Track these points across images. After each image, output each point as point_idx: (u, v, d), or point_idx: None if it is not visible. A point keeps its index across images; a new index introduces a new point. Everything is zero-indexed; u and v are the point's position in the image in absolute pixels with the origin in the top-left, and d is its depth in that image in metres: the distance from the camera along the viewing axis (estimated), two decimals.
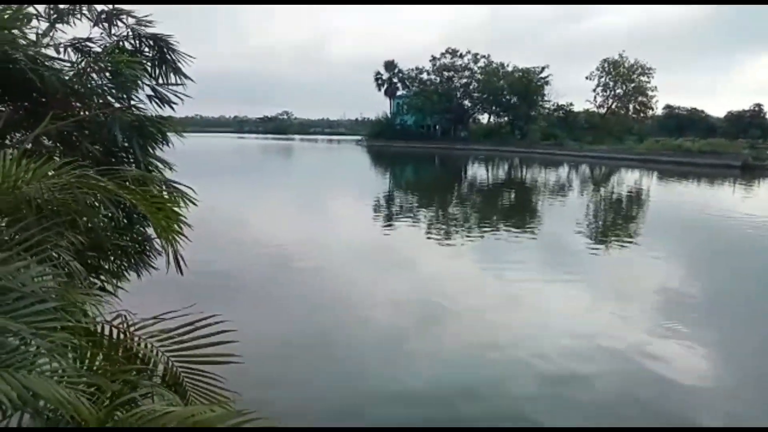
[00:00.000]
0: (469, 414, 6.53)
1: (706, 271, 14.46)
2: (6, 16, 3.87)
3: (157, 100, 4.64)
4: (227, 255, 13.57)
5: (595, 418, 6.61)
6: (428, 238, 18.00)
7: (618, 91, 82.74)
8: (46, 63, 3.99)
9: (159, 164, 4.44)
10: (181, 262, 3.24)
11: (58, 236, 2.68)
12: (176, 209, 3.15)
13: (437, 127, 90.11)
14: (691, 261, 15.68)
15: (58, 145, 4.32)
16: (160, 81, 4.82)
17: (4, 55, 3.65)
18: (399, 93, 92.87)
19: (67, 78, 4.13)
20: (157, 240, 3.62)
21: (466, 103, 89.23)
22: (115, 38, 4.71)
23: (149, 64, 4.78)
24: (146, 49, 4.84)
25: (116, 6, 4.72)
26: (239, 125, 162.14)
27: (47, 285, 2.36)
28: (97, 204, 3.28)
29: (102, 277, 4.12)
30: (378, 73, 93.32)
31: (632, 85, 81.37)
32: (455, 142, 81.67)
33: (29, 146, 3.89)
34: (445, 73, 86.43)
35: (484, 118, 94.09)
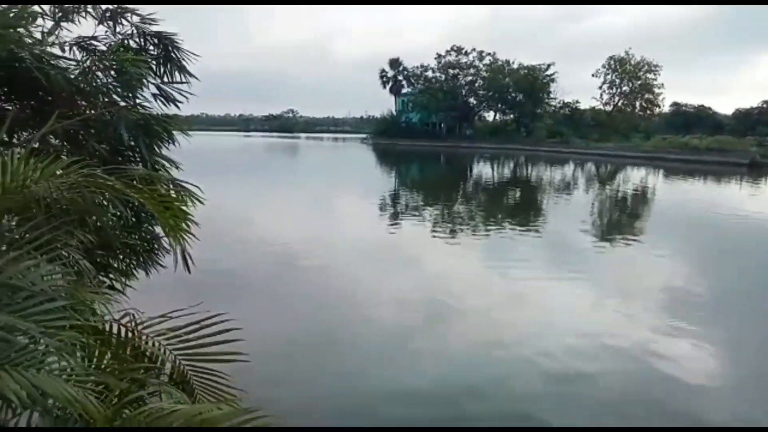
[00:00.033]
0: (474, 413, 6.53)
1: (712, 269, 14.38)
2: (11, 15, 3.89)
3: (162, 99, 4.66)
4: (233, 253, 13.60)
5: (599, 416, 6.59)
6: (433, 236, 17.99)
7: (624, 88, 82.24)
8: (52, 62, 4.00)
9: (165, 163, 4.45)
10: (189, 261, 3.25)
11: (68, 235, 2.69)
12: (184, 208, 3.16)
13: (442, 124, 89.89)
14: (696, 259, 15.60)
15: (64, 144, 4.34)
16: (165, 79, 4.83)
17: (10, 54, 3.67)
18: (404, 91, 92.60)
19: (72, 76, 4.14)
20: (165, 238, 3.63)
21: (472, 100, 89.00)
22: (120, 36, 4.73)
23: (154, 62, 4.79)
24: (151, 48, 4.86)
25: (121, 5, 4.73)
26: (245, 123, 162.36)
27: (56, 284, 2.37)
28: (105, 203, 3.30)
29: (111, 276, 4.14)
30: (383, 70, 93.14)
31: (639, 82, 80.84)
32: (460, 140, 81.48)
33: (36, 145, 3.91)
34: (451, 71, 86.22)
35: (489, 116, 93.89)
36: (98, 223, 3.33)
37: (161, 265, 4.44)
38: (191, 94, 4.83)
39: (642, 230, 20.77)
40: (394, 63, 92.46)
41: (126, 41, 4.71)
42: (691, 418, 6.59)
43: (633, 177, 44.28)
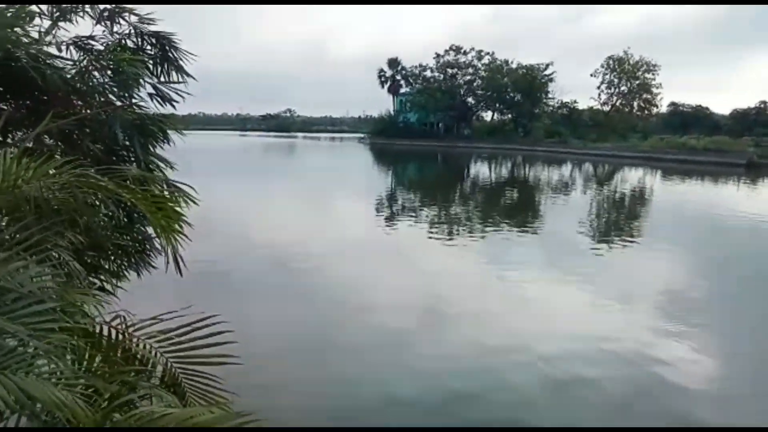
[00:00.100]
0: (470, 416, 6.51)
1: (711, 271, 14.39)
2: (9, 14, 3.86)
3: (158, 99, 4.64)
4: (226, 255, 13.55)
5: (596, 421, 6.59)
6: (430, 237, 17.98)
7: (623, 88, 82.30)
8: (48, 61, 3.98)
9: (160, 163, 4.43)
10: (181, 262, 3.23)
11: (58, 236, 2.67)
12: (177, 209, 3.14)
13: (440, 124, 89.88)
14: (695, 261, 15.62)
15: (59, 143, 4.32)
16: (162, 79, 4.81)
17: (7, 54, 3.65)
18: (402, 90, 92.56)
19: (68, 76, 4.12)
20: (158, 239, 3.61)
21: (470, 100, 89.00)
22: (117, 36, 4.70)
23: (151, 61, 4.77)
24: (148, 47, 4.83)
25: (119, 4, 4.70)
26: (242, 123, 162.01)
27: (46, 285, 2.35)
28: (97, 203, 3.28)
29: (101, 277, 4.11)
30: (381, 70, 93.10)
31: (637, 82, 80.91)
32: (458, 140, 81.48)
33: (30, 144, 3.89)
34: (449, 71, 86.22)
35: (487, 116, 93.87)
36: (89, 224, 3.31)
37: (153, 267, 4.42)
38: (188, 93, 4.81)
39: (640, 231, 20.79)
40: (393, 62, 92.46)
41: (123, 41, 4.69)
42: (690, 422, 6.59)
43: (631, 177, 44.34)
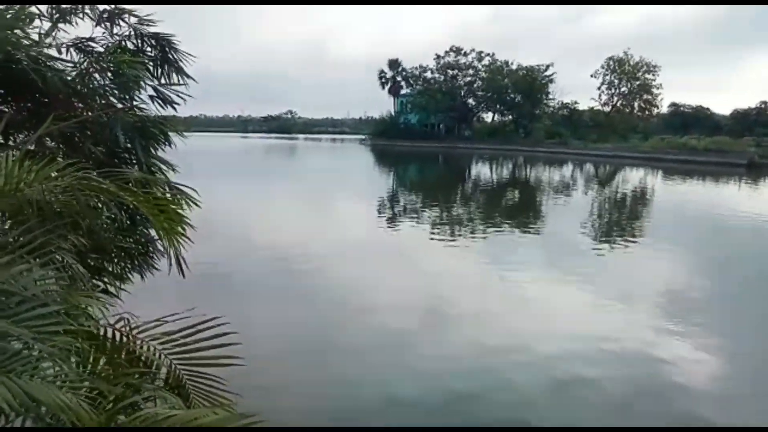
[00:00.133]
0: (471, 417, 6.50)
1: (712, 271, 14.38)
2: (8, 16, 3.86)
3: (159, 101, 4.63)
4: (228, 256, 13.56)
5: (596, 421, 6.58)
6: (431, 238, 17.97)
7: (623, 89, 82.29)
8: (49, 63, 3.97)
9: (162, 165, 4.42)
10: (184, 264, 3.23)
11: (61, 238, 2.67)
12: (179, 211, 3.14)
13: (441, 125, 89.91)
14: (696, 261, 15.61)
15: (60, 146, 4.31)
16: (163, 81, 4.80)
17: (7, 56, 3.65)
18: (403, 92, 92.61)
19: (69, 78, 4.12)
20: (161, 241, 3.61)
21: (470, 101, 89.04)
22: (117, 38, 4.70)
23: (151, 63, 4.77)
24: (148, 49, 4.82)
25: (118, 5, 4.71)
26: (243, 125, 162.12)
27: (50, 288, 2.35)
28: (99, 206, 3.27)
29: (105, 280, 4.11)
30: (382, 71, 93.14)
31: (637, 83, 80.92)
32: (459, 141, 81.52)
33: (32, 147, 3.89)
34: (449, 72, 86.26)
35: (488, 117, 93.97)
36: (92, 227, 3.31)
37: (156, 269, 4.42)
38: (189, 95, 4.80)
39: (641, 232, 20.77)
40: (393, 64, 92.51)
41: (123, 42, 4.69)
42: (692, 422, 6.58)
43: (632, 178, 44.32)
